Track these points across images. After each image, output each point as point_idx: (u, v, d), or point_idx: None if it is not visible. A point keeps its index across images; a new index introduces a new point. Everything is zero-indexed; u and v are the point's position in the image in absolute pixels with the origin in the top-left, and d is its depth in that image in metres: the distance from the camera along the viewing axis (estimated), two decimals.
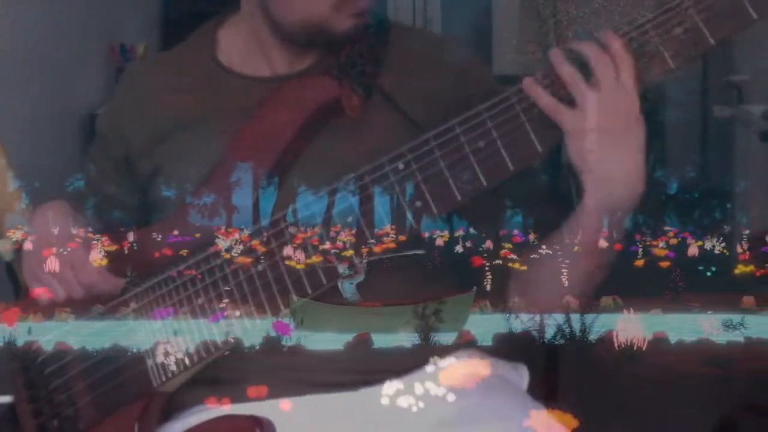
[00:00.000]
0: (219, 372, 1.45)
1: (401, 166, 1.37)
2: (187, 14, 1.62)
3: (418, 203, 1.36)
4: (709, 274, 1.34)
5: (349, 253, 1.37)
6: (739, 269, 1.34)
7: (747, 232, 1.37)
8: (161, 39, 2.84)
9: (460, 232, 1.38)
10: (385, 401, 1.40)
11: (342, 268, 1.37)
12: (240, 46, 1.54)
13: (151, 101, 1.55)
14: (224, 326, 1.40)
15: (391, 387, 1.41)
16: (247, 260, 1.40)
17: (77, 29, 2.59)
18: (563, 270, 1.37)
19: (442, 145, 1.36)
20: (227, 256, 1.41)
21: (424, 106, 1.47)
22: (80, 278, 1.45)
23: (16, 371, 1.50)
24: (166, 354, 1.41)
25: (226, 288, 1.41)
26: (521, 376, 1.54)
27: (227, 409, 1.43)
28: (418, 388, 1.41)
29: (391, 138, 1.41)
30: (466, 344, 1.41)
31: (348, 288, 1.37)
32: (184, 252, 1.44)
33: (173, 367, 1.42)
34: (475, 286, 1.35)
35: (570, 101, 1.31)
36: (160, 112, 1.53)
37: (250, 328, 1.39)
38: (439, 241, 1.37)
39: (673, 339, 1.31)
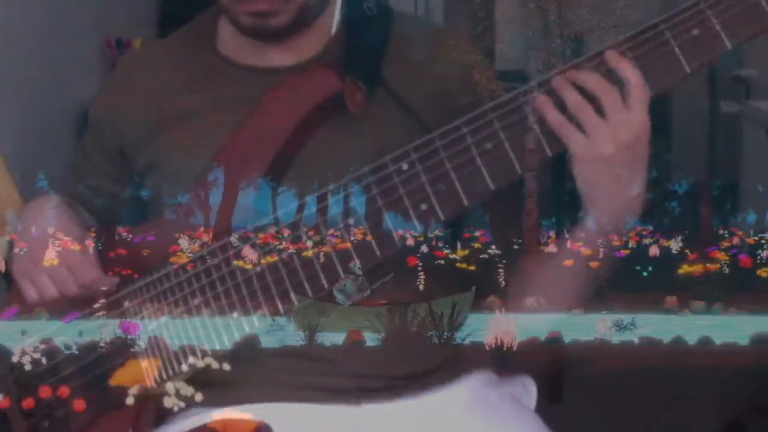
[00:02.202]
0: (215, 375, 1.41)
1: (405, 166, 1.33)
2: (184, 8, 1.60)
3: (423, 206, 1.33)
4: (645, 274, 1.36)
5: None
6: (683, 269, 1.36)
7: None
8: (158, 33, 2.83)
9: (438, 233, 1.37)
10: (389, 422, 1.40)
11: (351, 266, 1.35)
12: (236, 36, 1.50)
13: (147, 91, 1.52)
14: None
15: (397, 407, 1.42)
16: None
17: (72, 24, 2.57)
18: (563, 276, 1.37)
19: (448, 145, 1.32)
20: (183, 257, 1.39)
21: (428, 99, 1.45)
22: (78, 276, 1.43)
23: (6, 370, 1.47)
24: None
25: (224, 288, 1.39)
26: (529, 392, 1.53)
27: (224, 412, 1.41)
28: (427, 411, 1.42)
29: (396, 134, 1.39)
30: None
31: (349, 287, 1.35)
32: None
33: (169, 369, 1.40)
34: (474, 285, 1.33)
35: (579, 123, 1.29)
36: (156, 103, 1.50)
37: (248, 330, 1.37)
38: (410, 241, 1.34)
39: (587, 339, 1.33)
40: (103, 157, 1.56)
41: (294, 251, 1.35)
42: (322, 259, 1.35)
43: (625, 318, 1.31)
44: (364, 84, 1.42)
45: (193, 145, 1.45)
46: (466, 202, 1.32)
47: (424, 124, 1.42)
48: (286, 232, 1.37)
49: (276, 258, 1.36)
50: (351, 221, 1.35)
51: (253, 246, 1.37)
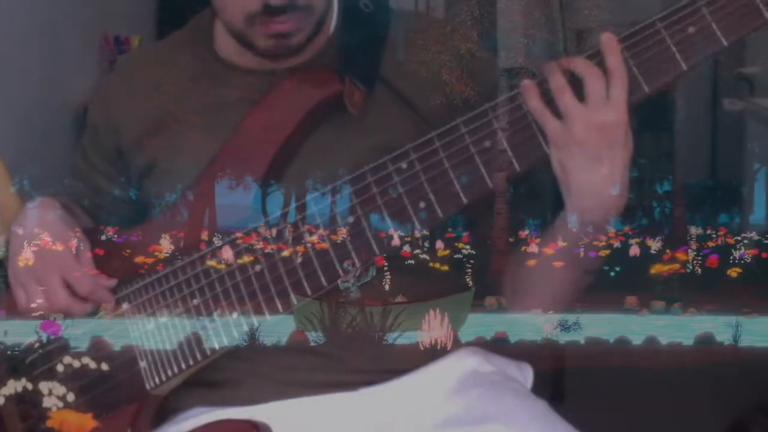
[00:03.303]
0: (214, 374, 1.42)
1: (404, 165, 1.33)
2: (183, 4, 1.60)
3: (422, 205, 1.32)
4: (612, 274, 1.36)
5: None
6: (655, 269, 1.36)
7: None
8: (157, 30, 2.82)
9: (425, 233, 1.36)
10: (388, 401, 1.39)
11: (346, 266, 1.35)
12: (232, 38, 1.49)
13: (146, 92, 1.51)
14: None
15: (393, 386, 1.40)
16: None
17: (70, 20, 2.56)
18: (551, 273, 1.37)
19: (447, 144, 1.32)
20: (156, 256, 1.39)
21: (427, 95, 1.43)
22: (73, 289, 1.42)
23: (4, 372, 1.46)
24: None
25: (223, 288, 1.38)
26: (525, 375, 1.52)
27: (223, 412, 1.40)
28: (422, 388, 1.40)
29: (396, 132, 1.39)
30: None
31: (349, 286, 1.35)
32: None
33: (168, 370, 1.39)
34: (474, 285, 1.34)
35: (559, 112, 1.30)
36: (155, 104, 1.49)
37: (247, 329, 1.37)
38: (396, 241, 1.34)
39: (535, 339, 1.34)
40: (102, 158, 1.55)
41: (292, 250, 1.34)
42: (320, 259, 1.35)
43: (570, 318, 1.32)
44: (363, 83, 1.41)
45: (192, 147, 1.45)
46: (465, 200, 1.32)
47: (425, 121, 1.41)
48: (285, 232, 1.36)
49: (273, 258, 1.36)
50: (350, 220, 1.35)
51: (233, 246, 1.37)
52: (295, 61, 1.46)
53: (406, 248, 1.35)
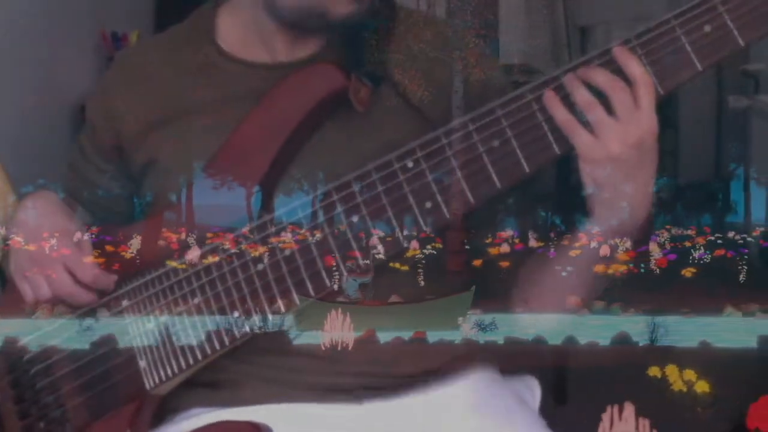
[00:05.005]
0: (215, 374, 1.41)
1: (410, 164, 1.32)
2: (182, 0, 1.59)
3: (428, 204, 1.31)
4: (564, 274, 1.35)
5: None
6: (599, 269, 1.34)
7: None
8: (155, 26, 2.81)
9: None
10: (392, 416, 1.39)
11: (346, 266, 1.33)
12: (239, 31, 1.49)
13: (146, 87, 1.50)
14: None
15: (399, 403, 1.40)
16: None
17: (67, 16, 2.56)
18: (569, 277, 1.35)
19: (454, 143, 1.31)
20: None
21: (432, 95, 1.42)
22: (75, 275, 1.40)
23: (1, 370, 1.46)
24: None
25: (225, 287, 1.37)
26: (533, 392, 1.52)
27: (223, 413, 1.39)
28: (430, 408, 1.40)
29: (401, 131, 1.37)
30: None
31: (351, 285, 1.33)
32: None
33: (168, 369, 1.38)
34: (474, 285, 1.32)
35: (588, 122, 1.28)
36: (155, 99, 1.48)
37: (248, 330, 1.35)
38: (374, 241, 1.32)
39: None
40: (100, 154, 1.54)
41: (297, 249, 1.33)
42: (322, 259, 1.34)
43: (486, 318, 1.30)
44: (370, 79, 1.39)
45: (194, 143, 1.43)
46: (472, 200, 1.30)
47: (429, 120, 1.39)
48: (288, 231, 1.35)
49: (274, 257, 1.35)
50: (354, 219, 1.33)
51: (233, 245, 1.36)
52: (302, 54, 1.45)
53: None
